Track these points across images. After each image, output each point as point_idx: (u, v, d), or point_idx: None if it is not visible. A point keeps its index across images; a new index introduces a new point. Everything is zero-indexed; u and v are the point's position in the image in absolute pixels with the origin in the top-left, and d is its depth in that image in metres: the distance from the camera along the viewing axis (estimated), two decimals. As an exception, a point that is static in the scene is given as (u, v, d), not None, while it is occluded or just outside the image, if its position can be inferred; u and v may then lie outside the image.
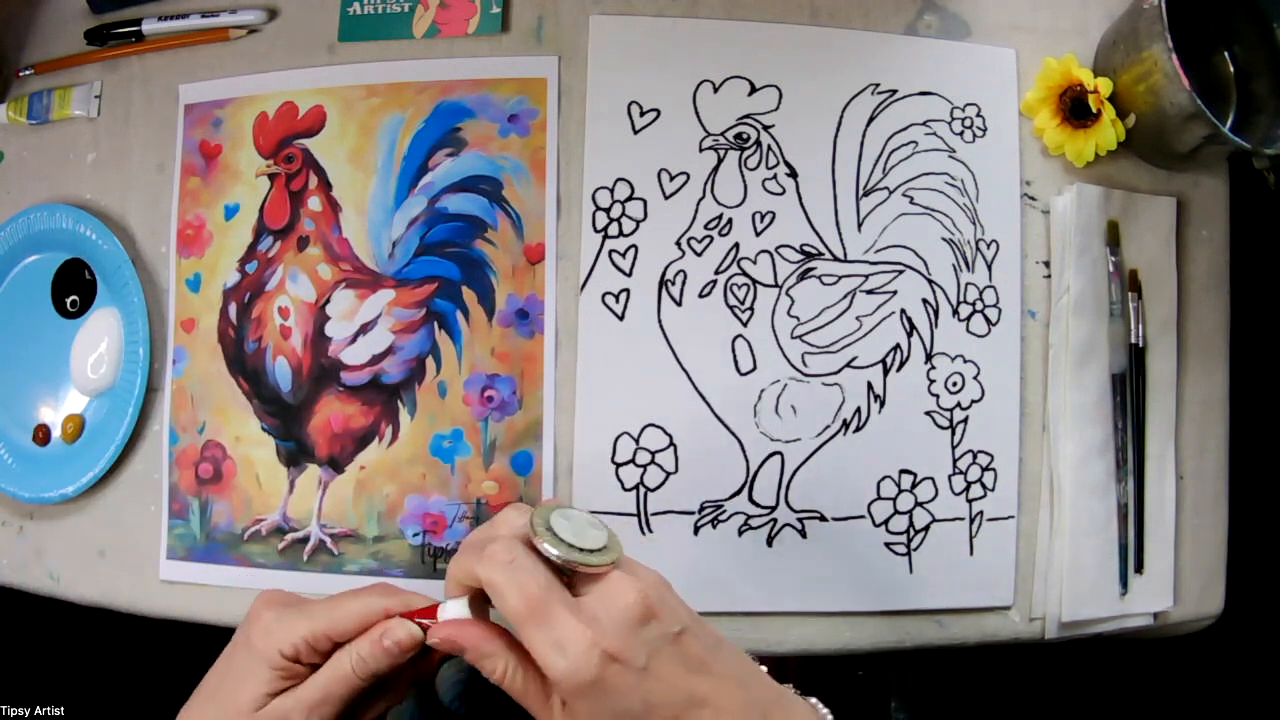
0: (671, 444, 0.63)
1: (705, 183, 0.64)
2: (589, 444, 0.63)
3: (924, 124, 0.66)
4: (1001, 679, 0.89)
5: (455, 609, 0.42)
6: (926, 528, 0.64)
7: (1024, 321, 0.65)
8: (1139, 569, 0.65)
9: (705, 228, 0.64)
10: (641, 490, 0.63)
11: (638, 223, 0.64)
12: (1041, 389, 0.65)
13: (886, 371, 0.64)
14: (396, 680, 0.46)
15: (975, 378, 0.65)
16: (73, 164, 0.71)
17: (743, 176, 0.65)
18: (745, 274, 0.64)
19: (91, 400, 0.69)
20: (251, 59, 0.69)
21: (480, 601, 0.42)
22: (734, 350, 0.64)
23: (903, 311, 0.64)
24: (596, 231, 0.64)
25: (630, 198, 0.64)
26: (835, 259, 0.64)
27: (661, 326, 0.64)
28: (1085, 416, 0.64)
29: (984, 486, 0.64)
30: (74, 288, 0.70)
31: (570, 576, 0.40)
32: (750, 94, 0.65)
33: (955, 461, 0.64)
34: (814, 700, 0.44)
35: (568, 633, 0.37)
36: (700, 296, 0.64)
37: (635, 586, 0.39)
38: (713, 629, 0.42)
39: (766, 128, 0.65)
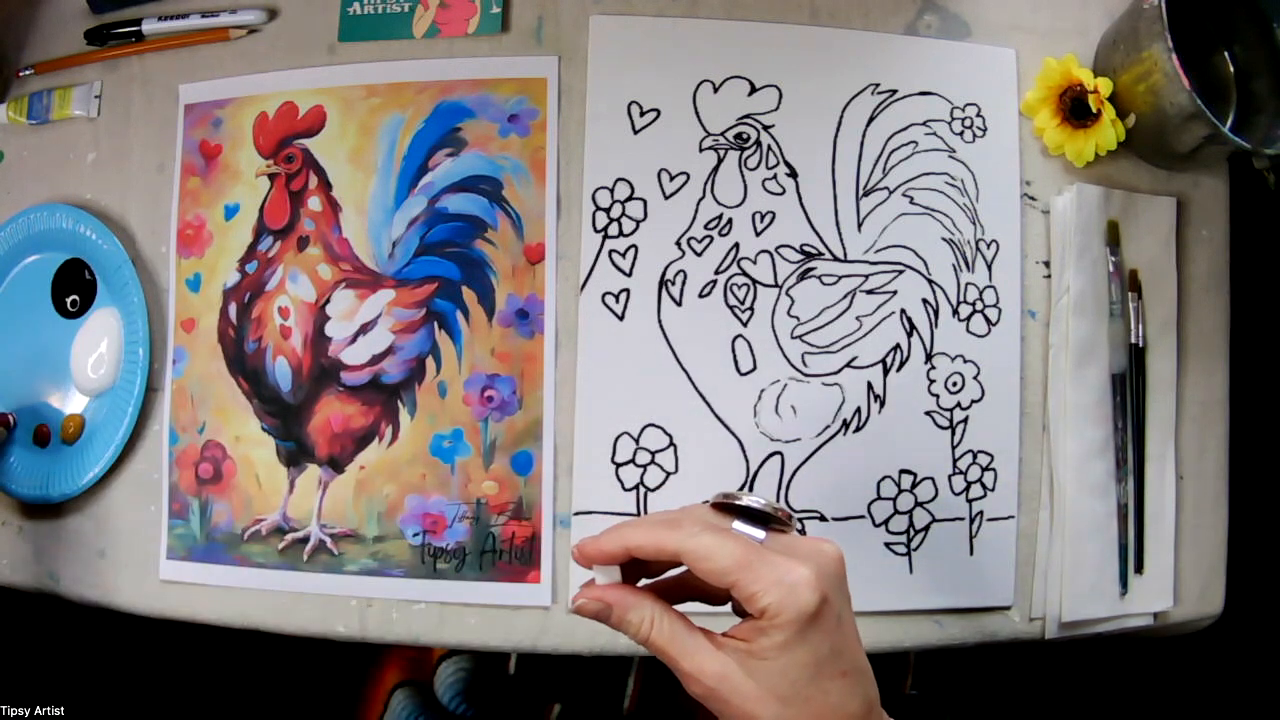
0: (671, 444, 0.63)
1: (705, 183, 0.64)
2: (589, 444, 0.63)
3: (924, 124, 0.66)
4: (1001, 679, 0.89)
5: (606, 575, 0.43)
6: (926, 528, 0.64)
7: (1024, 321, 0.65)
8: (1139, 569, 0.65)
9: (705, 228, 0.64)
10: (641, 490, 0.63)
11: (638, 223, 0.64)
12: (1041, 389, 0.65)
13: (886, 371, 0.64)
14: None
15: (975, 378, 0.65)
16: (73, 164, 0.71)
17: (743, 176, 0.65)
18: (745, 274, 0.64)
19: (91, 400, 0.69)
20: (251, 59, 0.69)
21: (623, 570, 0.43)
22: (734, 350, 0.64)
23: (903, 311, 0.64)
24: (596, 231, 0.64)
25: (630, 198, 0.64)
26: (835, 259, 0.64)
27: (661, 326, 0.64)
28: (1085, 416, 0.64)
29: (984, 486, 0.64)
30: (74, 288, 0.70)
31: (765, 540, 0.41)
32: (750, 94, 0.65)
33: (955, 461, 0.64)
34: None
35: (790, 570, 0.38)
36: (700, 296, 0.64)
37: (832, 544, 0.41)
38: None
39: (766, 128, 0.65)
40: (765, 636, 0.39)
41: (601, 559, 0.42)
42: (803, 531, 0.41)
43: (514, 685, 0.81)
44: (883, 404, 0.64)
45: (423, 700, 0.78)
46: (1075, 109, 0.64)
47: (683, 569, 0.43)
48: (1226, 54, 0.68)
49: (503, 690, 0.80)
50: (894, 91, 0.66)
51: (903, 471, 0.64)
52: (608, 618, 0.42)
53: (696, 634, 0.41)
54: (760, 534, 0.41)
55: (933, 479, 0.64)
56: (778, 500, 0.63)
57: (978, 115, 0.66)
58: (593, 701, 0.77)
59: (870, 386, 0.64)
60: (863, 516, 0.63)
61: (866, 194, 0.65)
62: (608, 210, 0.64)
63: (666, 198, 0.64)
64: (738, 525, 0.41)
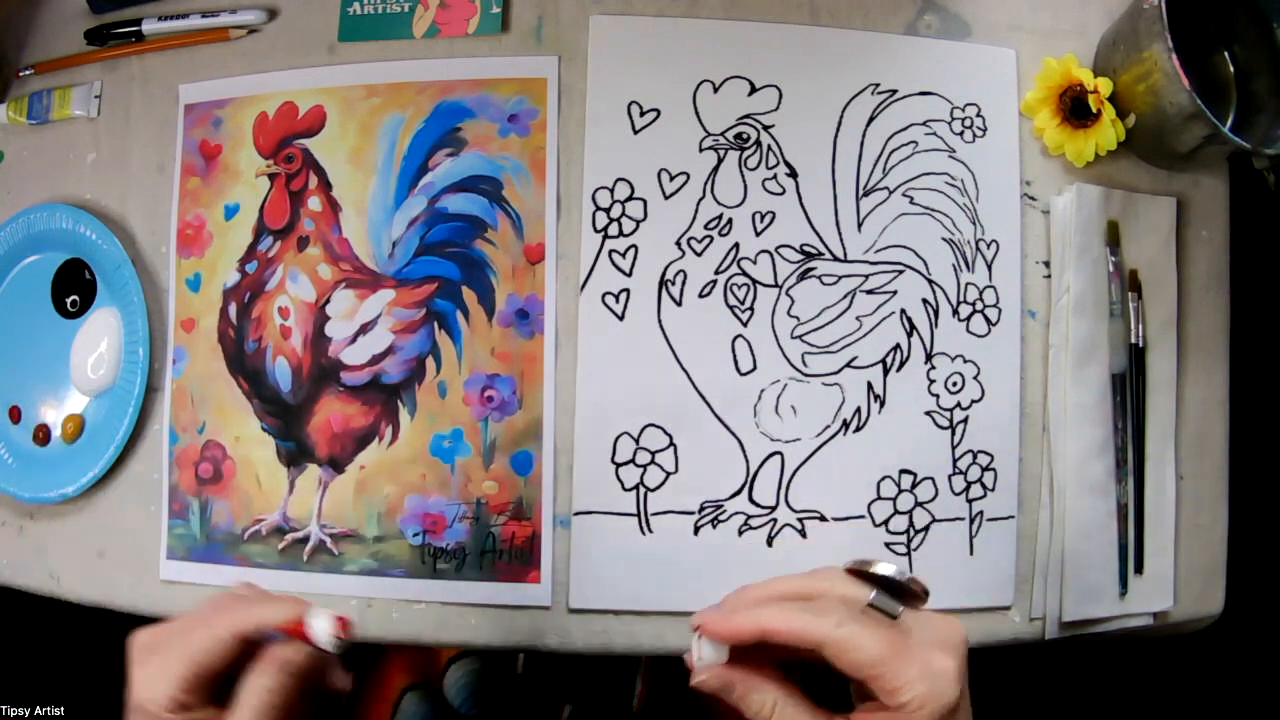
0: (671, 444, 0.63)
1: (705, 183, 0.64)
2: (589, 444, 0.63)
3: (924, 124, 0.66)
4: (1001, 679, 0.89)
5: (714, 654, 0.41)
6: (926, 528, 0.64)
7: (1024, 321, 0.65)
8: (1139, 569, 0.65)
9: (705, 228, 0.64)
10: (641, 490, 0.63)
11: (638, 223, 0.64)
12: (1041, 389, 0.65)
13: (886, 371, 0.64)
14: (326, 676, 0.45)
15: (975, 378, 0.65)
16: (73, 164, 0.71)
17: (743, 176, 0.65)
18: (745, 274, 0.64)
19: (91, 400, 0.69)
20: (251, 59, 0.69)
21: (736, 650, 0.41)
22: (734, 350, 0.64)
23: (903, 311, 0.64)
24: (596, 231, 0.64)
25: (630, 198, 0.64)
26: (835, 259, 0.64)
27: (661, 326, 0.64)
28: (1085, 416, 0.64)
29: (984, 486, 0.64)
30: (74, 288, 0.70)
31: (900, 618, 0.41)
32: (750, 94, 0.65)
33: (955, 461, 0.64)
34: None
35: (937, 662, 0.38)
36: (700, 296, 0.64)
37: (958, 622, 0.41)
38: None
39: (766, 128, 0.65)
40: None
41: (734, 640, 0.40)
42: (910, 602, 0.40)
43: (523, 686, 0.81)
44: (883, 404, 0.64)
45: (433, 702, 0.78)
46: (1075, 109, 0.64)
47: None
48: (1226, 54, 0.68)
49: (512, 691, 0.80)
50: (894, 91, 0.66)
51: (903, 471, 0.64)
52: (729, 694, 0.40)
53: (820, 718, 0.40)
54: (898, 608, 0.40)
55: (933, 479, 0.64)
56: (780, 496, 0.63)
57: (978, 115, 0.66)
58: (602, 701, 0.77)
59: (870, 386, 0.64)
60: (863, 516, 0.63)
61: (866, 194, 0.65)
62: (608, 210, 0.64)
63: (666, 198, 0.64)
64: (876, 598, 0.40)
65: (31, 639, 0.90)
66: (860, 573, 0.41)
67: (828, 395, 0.64)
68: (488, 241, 0.65)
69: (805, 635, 0.39)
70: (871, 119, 0.65)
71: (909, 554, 0.63)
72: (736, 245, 0.64)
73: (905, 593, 0.40)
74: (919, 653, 0.38)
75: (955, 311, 0.65)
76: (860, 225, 0.65)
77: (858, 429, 0.64)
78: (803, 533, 0.63)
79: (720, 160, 0.65)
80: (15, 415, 0.70)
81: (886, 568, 0.40)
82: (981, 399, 0.64)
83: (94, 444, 0.67)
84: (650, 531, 0.63)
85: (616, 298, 0.64)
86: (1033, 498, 0.65)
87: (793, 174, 0.65)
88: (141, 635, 0.44)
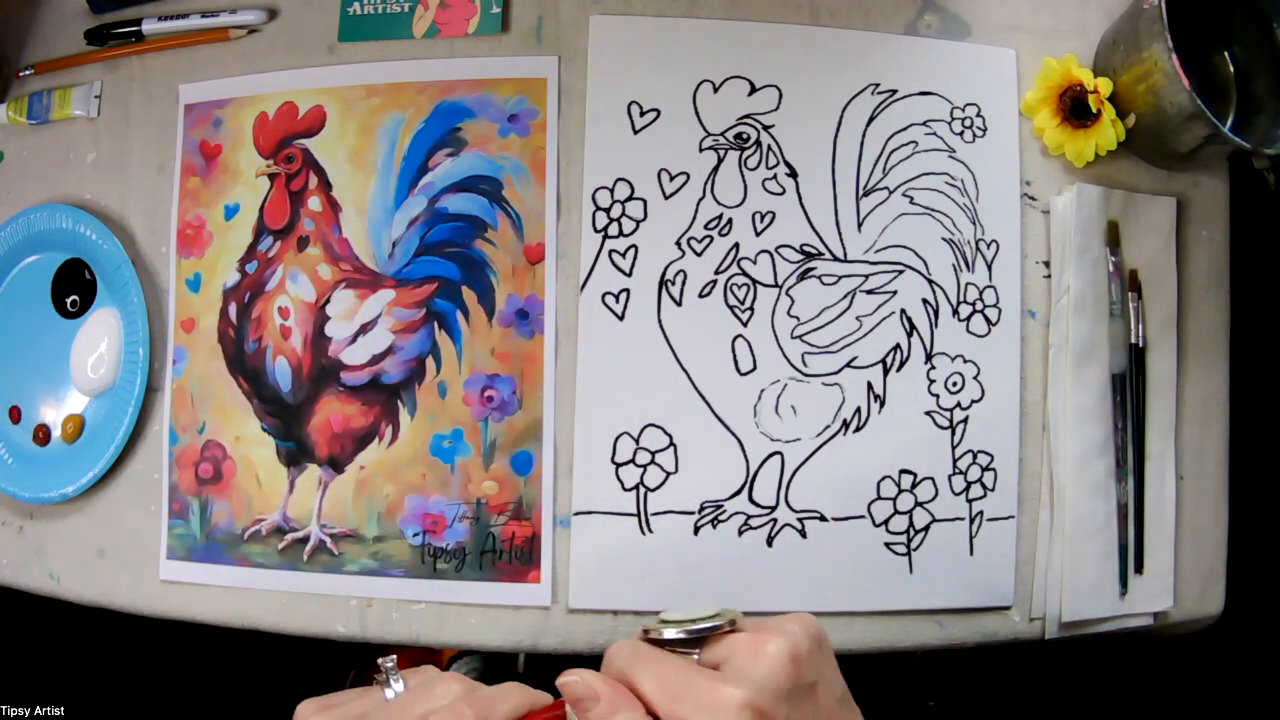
0: (671, 444, 0.63)
1: (705, 183, 0.64)
2: (589, 444, 0.63)
3: (924, 124, 0.66)
4: (1001, 679, 0.89)
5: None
6: (926, 528, 0.64)
7: (1024, 321, 0.65)
8: (1139, 569, 0.65)
9: (705, 228, 0.64)
10: (641, 490, 0.63)
11: (638, 223, 0.64)
12: (1041, 389, 0.65)
13: (886, 371, 0.64)
14: None
15: (975, 378, 0.65)
16: (73, 164, 0.71)
17: (743, 176, 0.65)
18: (745, 274, 0.64)
19: (91, 400, 0.69)
20: (251, 59, 0.69)
21: None
22: (734, 350, 0.64)
23: (903, 311, 0.64)
24: (596, 231, 0.64)
25: (630, 198, 0.64)
26: (835, 259, 0.64)
27: (661, 326, 0.64)
28: (1085, 416, 0.64)
29: (984, 486, 0.64)
30: (74, 288, 0.70)
31: (700, 654, 0.40)
32: (750, 94, 0.65)
33: (955, 461, 0.64)
34: None
35: (715, 696, 0.36)
36: (700, 296, 0.64)
37: (775, 642, 0.38)
38: (841, 679, 0.41)
39: (766, 128, 0.65)
40: None
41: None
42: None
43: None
44: (883, 404, 0.64)
45: None
46: (1075, 109, 0.64)
47: None
48: (1226, 54, 0.68)
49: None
50: (894, 91, 0.66)
51: (903, 471, 0.64)
52: (590, 709, 0.38)
53: None
54: (672, 631, 0.39)
55: (933, 479, 0.64)
56: (780, 496, 0.63)
57: (978, 115, 0.66)
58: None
59: (870, 386, 0.64)
60: (863, 516, 0.63)
61: (866, 194, 0.65)
62: (608, 210, 0.64)
63: (666, 198, 0.64)
64: (670, 633, 0.39)
65: (31, 639, 0.90)
66: (657, 639, 0.40)
67: (828, 395, 0.64)
68: (488, 241, 0.65)
69: (608, 672, 0.38)
70: (871, 119, 0.65)
71: (909, 554, 0.63)
72: (736, 245, 0.64)
73: (705, 635, 0.39)
74: (703, 690, 0.36)
75: (955, 311, 0.65)
76: (860, 225, 0.65)
77: (858, 429, 0.64)
78: (803, 533, 0.63)
79: (720, 160, 0.65)
80: (15, 415, 0.70)
81: (674, 626, 0.39)
82: (981, 399, 0.64)
83: (94, 444, 0.67)
84: (650, 531, 0.63)
85: (616, 298, 0.64)
86: (1033, 498, 0.65)
87: (793, 174, 0.65)
88: (315, 705, 0.41)
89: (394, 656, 0.41)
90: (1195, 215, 0.68)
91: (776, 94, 0.65)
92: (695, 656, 0.40)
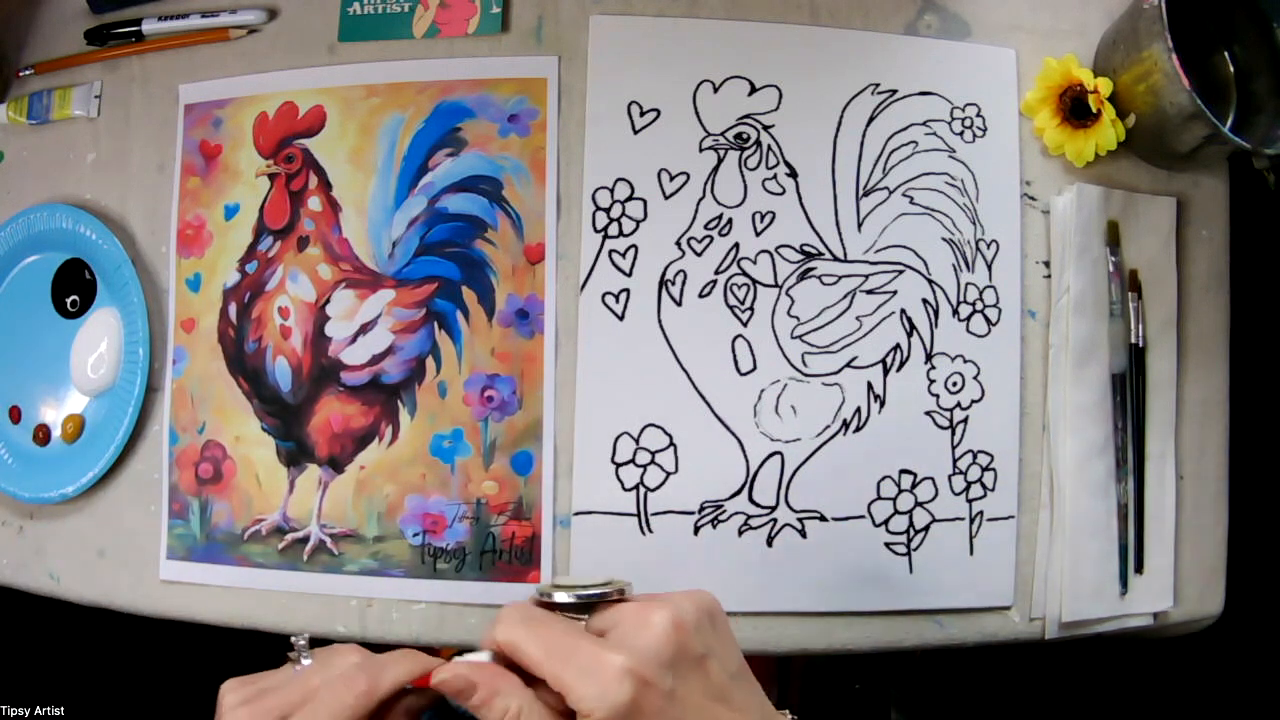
0: (671, 444, 0.63)
1: (705, 183, 0.64)
2: (589, 444, 0.63)
3: (924, 124, 0.66)
4: (1001, 679, 0.89)
5: (474, 658, 0.41)
6: (926, 528, 0.64)
7: (1024, 321, 0.65)
8: (1139, 569, 0.65)
9: (705, 228, 0.64)
10: (641, 490, 0.63)
11: (638, 223, 0.64)
12: (1041, 389, 0.65)
13: (886, 371, 0.64)
14: None
15: (975, 378, 0.65)
16: (73, 164, 0.71)
17: (743, 176, 0.65)
18: (745, 274, 0.64)
19: (91, 400, 0.69)
20: (251, 59, 0.69)
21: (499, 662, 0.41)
22: (734, 350, 0.64)
23: (903, 311, 0.64)
24: (596, 231, 0.64)
25: (630, 198, 0.64)
26: (835, 259, 0.64)
27: (661, 326, 0.64)
28: (1085, 416, 0.64)
29: (984, 486, 0.64)
30: (74, 288, 0.70)
31: (588, 619, 0.40)
32: (750, 94, 0.65)
33: (955, 461, 0.64)
34: None
35: (598, 661, 0.36)
36: (700, 296, 0.64)
37: (661, 611, 0.39)
38: (740, 655, 0.42)
39: (766, 128, 0.65)
40: None
41: (484, 646, 0.40)
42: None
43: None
44: (883, 404, 0.64)
45: (438, 704, 0.78)
46: (1075, 109, 0.64)
47: None
48: (1226, 54, 0.68)
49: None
50: (894, 91, 0.66)
51: (903, 471, 0.64)
52: (469, 698, 0.38)
53: None
54: (563, 596, 0.40)
55: (933, 479, 0.64)
56: (780, 496, 0.63)
57: (978, 115, 0.66)
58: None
59: (870, 386, 0.64)
60: (863, 516, 0.63)
61: (866, 194, 0.65)
62: (608, 210, 0.64)
63: (666, 198, 0.64)
64: (560, 597, 0.40)
65: (31, 639, 0.90)
66: (548, 603, 0.40)
67: (828, 395, 0.64)
68: (488, 241, 0.65)
69: (486, 640, 0.39)
70: (871, 119, 0.65)
71: (909, 554, 0.63)
72: (736, 245, 0.64)
73: (596, 601, 0.40)
74: (586, 654, 0.37)
75: (955, 311, 0.65)
76: (860, 225, 0.65)
77: (858, 429, 0.64)
78: (803, 533, 0.63)
79: (720, 160, 0.65)
80: (15, 415, 0.70)
81: (565, 590, 0.40)
82: (981, 399, 0.64)
83: (94, 444, 0.67)
84: (650, 531, 0.63)
85: (616, 298, 0.64)
86: (1033, 498, 0.65)
87: (793, 174, 0.65)
88: (240, 685, 0.42)
89: (306, 634, 0.43)
90: (1195, 215, 0.68)
91: (776, 94, 0.65)
92: (583, 622, 0.40)
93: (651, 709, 0.36)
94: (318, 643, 0.65)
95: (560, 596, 0.40)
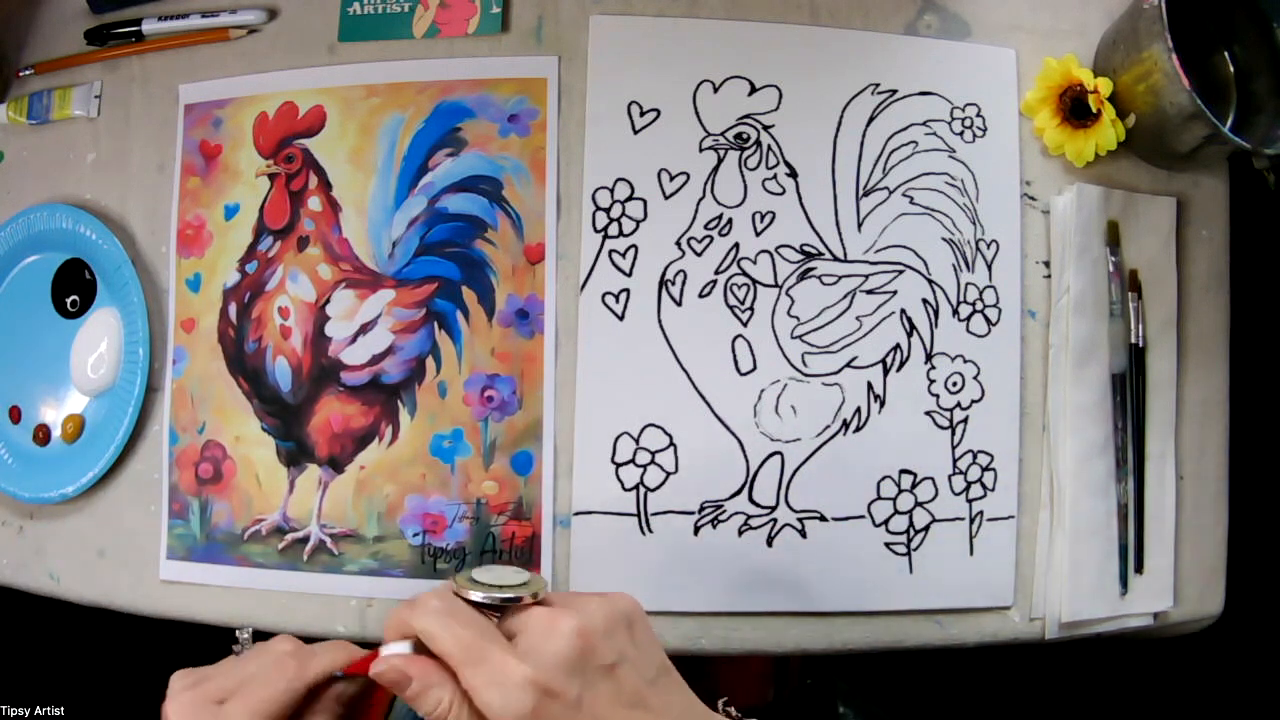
0: (671, 444, 0.63)
1: (705, 183, 0.64)
2: (589, 444, 0.63)
3: (924, 124, 0.66)
4: (1001, 679, 0.89)
5: (398, 648, 0.42)
6: (926, 528, 0.64)
7: (1024, 321, 0.65)
8: (1139, 569, 0.65)
9: (705, 228, 0.64)
10: (641, 490, 0.63)
11: (638, 223, 0.64)
12: (1041, 389, 0.65)
13: (886, 371, 0.64)
14: None
15: (975, 378, 0.65)
16: (73, 164, 0.71)
17: (743, 176, 0.65)
18: (745, 274, 0.64)
19: (91, 400, 0.69)
20: (251, 59, 0.69)
21: (420, 649, 0.42)
22: (734, 350, 0.64)
23: (903, 311, 0.64)
24: (596, 231, 0.64)
25: (630, 198, 0.64)
26: (835, 259, 0.64)
27: (661, 326, 0.64)
28: (1085, 416, 0.64)
29: (984, 486, 0.64)
30: (74, 288, 0.70)
31: (501, 618, 0.41)
32: (750, 94, 0.65)
33: (955, 461, 0.64)
34: None
35: (503, 669, 0.38)
36: (700, 296, 0.64)
37: (568, 620, 0.39)
38: (661, 658, 0.42)
39: (766, 128, 0.65)
40: None
41: (398, 635, 0.41)
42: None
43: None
44: (883, 404, 0.64)
45: (360, 687, 0.77)
46: (1075, 109, 0.64)
47: None
48: (1226, 54, 0.68)
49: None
50: (894, 91, 0.66)
51: (903, 471, 0.64)
52: (404, 689, 0.39)
53: None
54: (476, 594, 0.41)
55: (933, 479, 0.64)
56: (780, 496, 0.63)
57: (978, 115, 0.66)
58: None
59: (870, 386, 0.64)
60: (863, 516, 0.63)
61: (866, 194, 0.65)
62: (608, 210, 0.64)
63: (666, 198, 0.64)
64: (474, 596, 0.41)
65: (31, 639, 0.90)
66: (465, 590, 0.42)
67: (828, 395, 0.64)
68: (488, 241, 0.65)
69: (401, 625, 0.40)
70: (871, 119, 0.65)
71: (909, 554, 0.63)
72: (736, 245, 0.64)
73: (509, 603, 0.41)
74: (494, 660, 0.38)
75: (955, 311, 0.65)
76: (860, 225, 0.65)
77: (858, 429, 0.64)
78: (803, 533, 0.63)
79: (720, 160, 0.65)
80: (15, 415, 0.70)
81: (477, 595, 0.41)
82: (981, 399, 0.64)
83: (94, 444, 0.67)
84: (650, 531, 0.63)
85: (616, 298, 0.64)
86: (1033, 498, 0.65)
87: (793, 174, 0.65)
88: (185, 681, 0.43)
89: (249, 628, 0.46)
90: (1195, 215, 0.68)
91: (776, 94, 0.65)
92: (497, 620, 0.41)
93: (554, 717, 0.37)
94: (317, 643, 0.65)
95: (474, 596, 0.41)
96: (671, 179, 0.64)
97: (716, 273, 0.64)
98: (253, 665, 0.43)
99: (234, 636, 0.45)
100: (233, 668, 0.43)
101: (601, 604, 0.41)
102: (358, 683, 0.44)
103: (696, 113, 0.65)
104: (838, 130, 0.65)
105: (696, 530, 0.63)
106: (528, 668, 0.38)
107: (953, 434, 0.64)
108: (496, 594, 0.41)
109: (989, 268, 0.65)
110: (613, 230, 0.64)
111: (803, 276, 0.64)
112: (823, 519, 0.63)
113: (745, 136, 0.65)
